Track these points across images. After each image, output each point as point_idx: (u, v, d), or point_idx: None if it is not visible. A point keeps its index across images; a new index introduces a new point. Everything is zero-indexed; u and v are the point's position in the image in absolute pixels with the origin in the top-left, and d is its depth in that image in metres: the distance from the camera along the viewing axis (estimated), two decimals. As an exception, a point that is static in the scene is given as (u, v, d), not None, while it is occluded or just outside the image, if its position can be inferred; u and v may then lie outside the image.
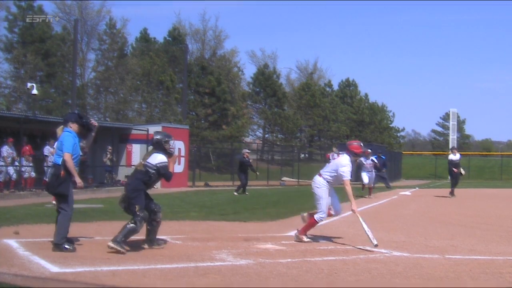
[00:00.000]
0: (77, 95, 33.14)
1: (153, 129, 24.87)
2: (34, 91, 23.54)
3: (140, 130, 24.84)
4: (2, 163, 17.53)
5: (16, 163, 18.03)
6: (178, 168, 25.27)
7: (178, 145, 25.39)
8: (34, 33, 38.73)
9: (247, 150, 22.61)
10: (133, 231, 7.39)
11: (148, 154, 7.93)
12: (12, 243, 7.67)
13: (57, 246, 7.21)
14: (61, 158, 7.41)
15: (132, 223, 7.40)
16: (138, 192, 7.59)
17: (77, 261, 6.48)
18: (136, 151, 24.54)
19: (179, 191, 21.86)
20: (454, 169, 21.17)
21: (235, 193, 20.46)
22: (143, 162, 7.81)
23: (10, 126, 19.35)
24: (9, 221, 10.05)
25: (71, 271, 6.00)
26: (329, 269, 6.49)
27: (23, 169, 18.21)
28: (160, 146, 7.88)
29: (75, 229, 9.14)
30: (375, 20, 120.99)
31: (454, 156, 21.59)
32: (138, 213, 7.44)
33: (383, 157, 28.67)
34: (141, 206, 7.50)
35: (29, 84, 24.14)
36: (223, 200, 17.59)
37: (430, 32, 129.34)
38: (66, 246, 7.21)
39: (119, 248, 7.16)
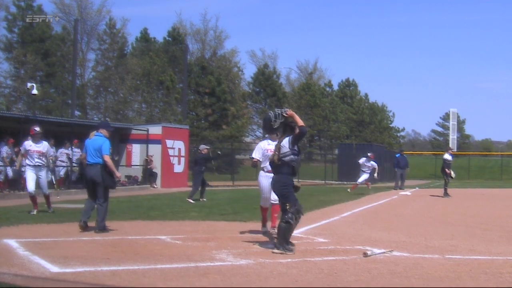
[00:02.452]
0: (77, 95, 33.16)
1: (153, 129, 25.00)
2: (34, 91, 23.56)
3: (140, 130, 24.83)
4: (1, 163, 17.53)
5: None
6: (178, 168, 25.29)
7: (178, 145, 25.43)
8: (33, 33, 38.77)
9: (206, 146, 18.20)
10: (289, 228, 7.44)
11: (279, 142, 7.69)
12: (12, 243, 7.68)
13: (102, 229, 9.05)
14: (102, 159, 9.14)
15: (284, 222, 7.43)
16: (287, 187, 7.57)
17: (77, 261, 6.48)
18: (136, 151, 24.52)
19: (179, 191, 21.84)
20: (446, 169, 21.29)
21: (196, 200, 16.16)
22: (279, 154, 7.57)
23: (10, 126, 19.34)
24: (9, 221, 10.05)
25: (71, 271, 5.99)
26: (329, 269, 6.49)
27: (22, 169, 18.19)
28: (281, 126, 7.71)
29: (75, 228, 9.17)
30: (375, 20, 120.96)
31: (449, 156, 21.77)
32: (289, 210, 7.45)
33: (405, 155, 28.59)
34: (293, 202, 7.51)
35: (29, 84, 24.16)
36: (223, 200, 17.58)
37: (430, 32, 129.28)
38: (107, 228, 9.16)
39: (283, 252, 7.29)
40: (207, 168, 18.06)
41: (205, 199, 16.64)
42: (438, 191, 23.98)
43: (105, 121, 9.33)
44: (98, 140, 9.28)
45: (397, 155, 28.65)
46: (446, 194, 21.24)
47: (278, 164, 7.61)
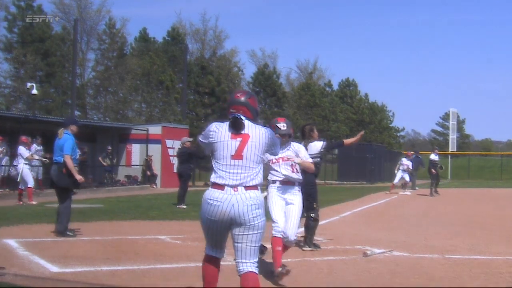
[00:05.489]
0: (76, 95, 33.12)
1: (152, 129, 24.99)
2: (34, 91, 23.49)
3: (140, 130, 24.85)
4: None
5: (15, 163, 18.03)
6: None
7: (178, 145, 25.37)
8: (33, 33, 38.76)
9: (189, 139, 17.06)
10: (316, 225, 7.93)
11: (305, 144, 7.87)
12: (12, 243, 7.67)
13: (61, 233, 8.35)
14: (62, 158, 8.49)
15: (312, 220, 7.82)
16: (314, 187, 7.84)
17: (77, 261, 6.48)
18: (136, 151, 24.53)
19: (179, 191, 21.82)
20: (432, 169, 21.78)
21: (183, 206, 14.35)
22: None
23: (10, 126, 19.33)
24: (9, 221, 10.04)
25: (71, 271, 6.00)
26: (329, 269, 6.49)
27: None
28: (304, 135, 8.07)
29: (74, 228, 9.15)
30: (375, 20, 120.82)
31: (436, 157, 22.30)
32: (316, 207, 7.83)
33: (419, 156, 28.56)
34: (317, 201, 7.96)
35: (28, 84, 24.09)
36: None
37: (430, 32, 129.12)
38: (69, 233, 8.38)
39: (313, 249, 7.72)
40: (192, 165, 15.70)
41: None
42: (438, 191, 23.97)
43: (71, 117, 8.73)
44: (64, 138, 8.71)
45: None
46: (432, 193, 21.73)
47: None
